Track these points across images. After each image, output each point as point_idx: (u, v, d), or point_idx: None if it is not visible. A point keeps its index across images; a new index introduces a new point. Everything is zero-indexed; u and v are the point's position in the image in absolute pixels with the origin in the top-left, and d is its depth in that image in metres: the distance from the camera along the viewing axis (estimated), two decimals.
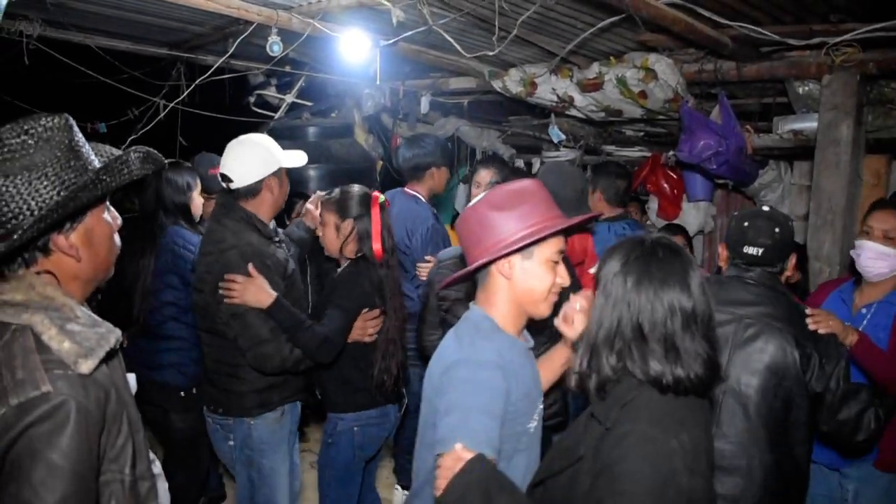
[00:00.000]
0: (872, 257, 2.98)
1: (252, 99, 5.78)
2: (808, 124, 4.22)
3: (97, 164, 1.61)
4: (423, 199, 4.23)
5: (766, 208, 2.70)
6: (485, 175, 3.98)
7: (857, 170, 3.93)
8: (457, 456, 1.64)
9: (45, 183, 1.51)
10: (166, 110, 5.08)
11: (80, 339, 1.49)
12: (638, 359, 1.66)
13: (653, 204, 6.12)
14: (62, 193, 1.51)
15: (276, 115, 5.81)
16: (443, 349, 1.97)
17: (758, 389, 2.44)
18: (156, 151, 1.71)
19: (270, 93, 5.76)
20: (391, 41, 4.08)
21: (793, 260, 2.66)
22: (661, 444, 1.56)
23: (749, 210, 2.73)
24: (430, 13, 3.62)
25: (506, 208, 1.89)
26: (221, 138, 5.99)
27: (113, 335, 1.56)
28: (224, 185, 2.99)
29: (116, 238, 1.74)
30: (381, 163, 6.39)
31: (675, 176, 5.87)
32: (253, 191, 2.97)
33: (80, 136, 1.59)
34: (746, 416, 2.44)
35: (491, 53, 3.99)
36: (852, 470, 3.05)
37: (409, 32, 3.84)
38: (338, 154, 5.60)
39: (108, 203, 1.70)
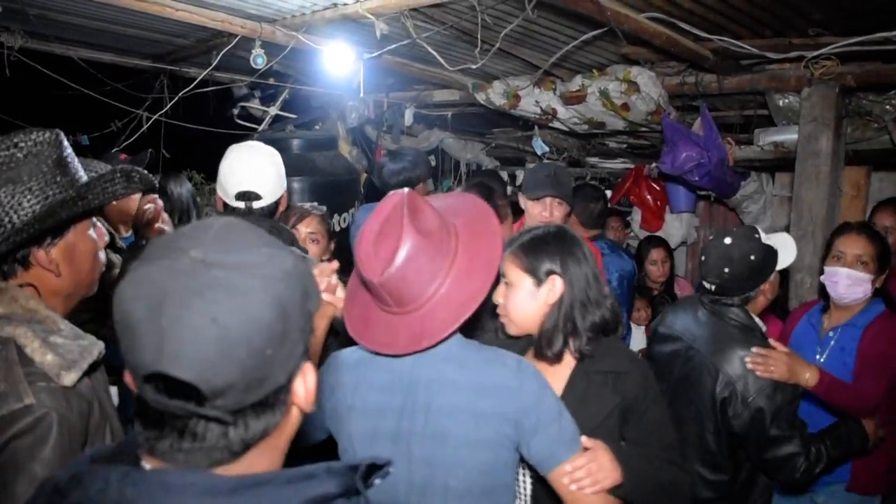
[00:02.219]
0: (849, 284, 2.91)
1: (236, 111, 5.78)
2: (789, 136, 4.27)
3: (84, 180, 1.61)
4: None
5: (727, 240, 2.56)
6: None
7: (836, 181, 3.97)
8: (595, 452, 1.76)
9: (29, 197, 1.50)
10: (149, 123, 5.07)
11: (62, 352, 1.49)
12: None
13: (636, 216, 6.15)
14: (43, 208, 1.51)
15: (260, 128, 5.81)
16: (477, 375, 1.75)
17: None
18: (146, 172, 1.71)
19: (254, 105, 5.77)
20: (375, 54, 4.09)
21: (766, 285, 2.58)
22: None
23: (714, 238, 2.66)
24: (414, 26, 3.64)
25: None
26: (205, 150, 6.01)
27: (96, 347, 1.56)
28: (243, 203, 2.59)
29: (101, 255, 1.75)
30: (364, 175, 6.39)
31: (657, 188, 5.91)
32: (272, 210, 2.68)
33: (69, 152, 1.60)
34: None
35: (474, 67, 4.01)
36: (822, 493, 3.04)
37: (393, 45, 3.86)
38: (322, 166, 5.60)
39: (95, 220, 1.70)
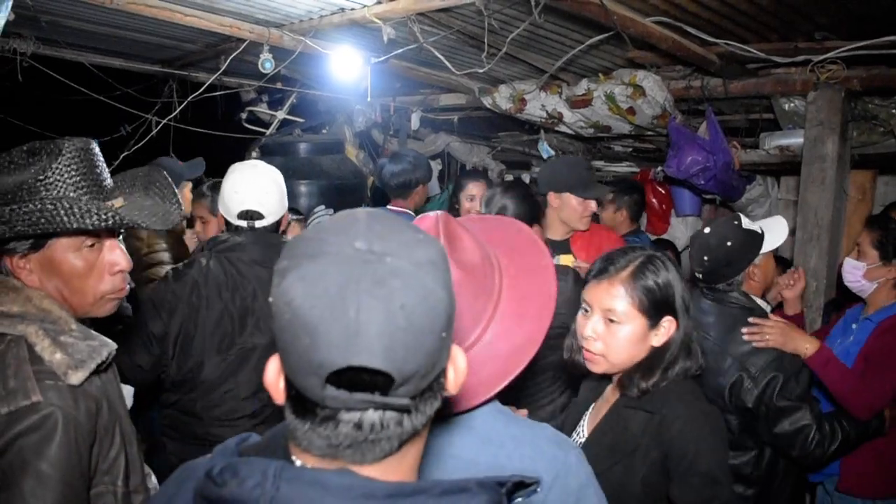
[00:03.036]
0: (847, 270, 3.08)
1: (244, 115, 5.82)
2: (795, 140, 4.27)
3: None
4: (411, 213, 4.20)
5: (706, 230, 2.71)
6: (476, 188, 4.03)
7: (842, 185, 3.98)
8: None
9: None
10: (158, 127, 5.10)
11: (72, 351, 1.51)
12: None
13: (641, 219, 6.15)
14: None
15: (268, 132, 5.85)
16: None
17: None
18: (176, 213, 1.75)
19: (262, 109, 5.80)
20: (382, 59, 4.12)
21: (752, 269, 2.68)
22: (711, 411, 1.93)
23: (698, 230, 2.79)
24: (421, 30, 3.66)
25: None
26: (213, 154, 6.04)
27: (105, 348, 1.58)
28: (245, 222, 2.68)
29: (109, 280, 1.69)
30: (371, 179, 6.41)
31: (663, 191, 5.92)
32: (275, 228, 2.76)
33: (94, 163, 1.61)
34: None
35: (481, 71, 4.03)
36: (828, 487, 3.10)
37: (400, 50, 3.88)
38: (328, 170, 5.62)
39: (107, 243, 1.68)
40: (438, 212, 1.43)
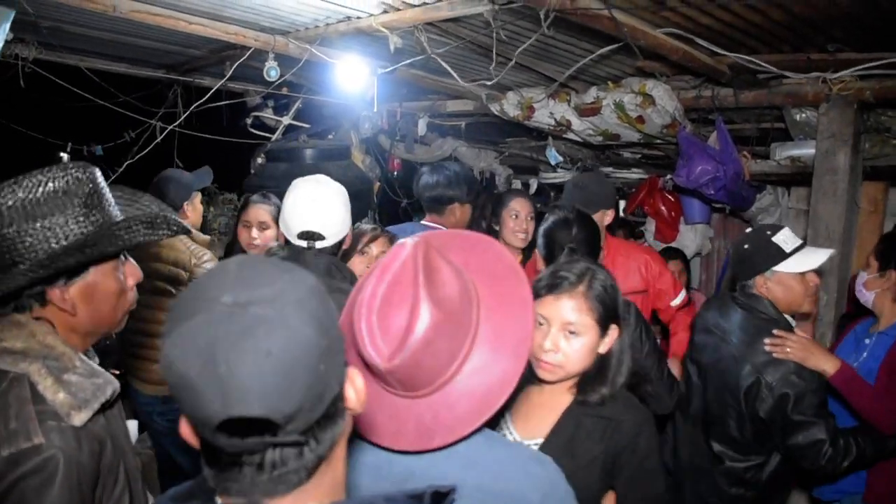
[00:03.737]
0: (857, 282, 3.09)
1: (249, 121, 5.78)
2: (806, 151, 4.21)
3: (108, 222, 1.58)
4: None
5: (749, 229, 2.88)
6: (520, 205, 3.94)
7: (854, 198, 3.92)
8: None
9: (49, 234, 1.49)
10: (164, 134, 5.06)
11: (75, 391, 1.48)
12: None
13: (650, 226, 6.11)
14: (59, 248, 1.50)
15: (273, 137, 5.81)
16: None
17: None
18: (173, 217, 1.70)
19: (267, 114, 5.76)
20: (389, 69, 4.08)
21: (762, 280, 2.70)
22: (650, 414, 2.08)
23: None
24: (428, 40, 3.62)
25: None
26: (219, 159, 6.00)
27: (110, 386, 1.55)
28: (306, 242, 2.51)
29: (131, 294, 1.73)
30: (378, 184, 6.38)
31: (672, 199, 5.86)
32: (335, 250, 2.61)
33: (101, 190, 1.58)
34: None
35: (489, 83, 4.00)
36: (846, 502, 3.04)
37: (408, 61, 3.85)
38: (335, 176, 5.48)
39: (123, 258, 1.69)
40: (415, 240, 1.40)
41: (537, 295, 1.95)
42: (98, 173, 1.60)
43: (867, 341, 3.04)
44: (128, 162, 4.89)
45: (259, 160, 5.83)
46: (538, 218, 3.63)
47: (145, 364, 3.64)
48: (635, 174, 6.46)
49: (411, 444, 1.40)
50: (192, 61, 5.02)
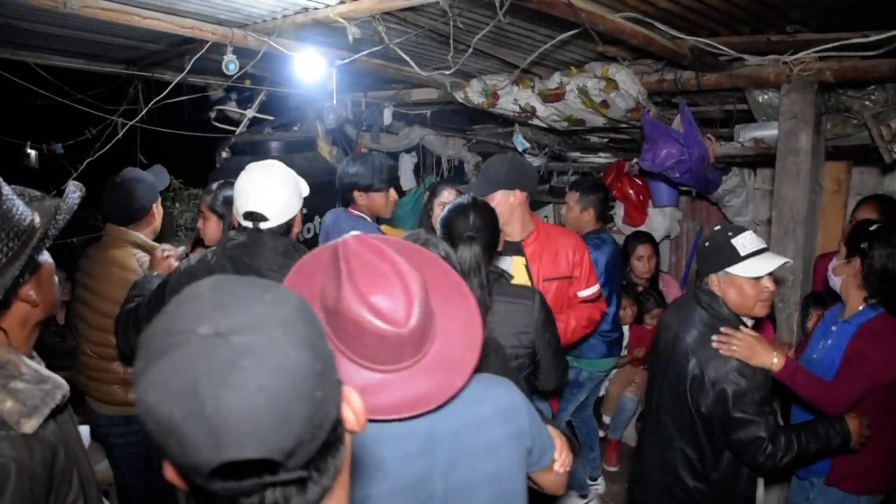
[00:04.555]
0: (830, 266, 3.11)
1: (213, 114, 5.71)
2: (769, 132, 4.23)
3: (30, 215, 1.57)
4: (368, 220, 4.07)
5: (717, 227, 2.86)
6: (451, 195, 3.94)
7: (817, 178, 3.94)
8: (561, 438, 1.94)
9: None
10: (125, 129, 4.98)
11: (23, 398, 1.45)
12: None
13: (619, 210, 6.11)
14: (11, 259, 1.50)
15: (238, 131, 5.74)
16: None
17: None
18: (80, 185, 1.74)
19: (231, 108, 5.69)
20: (347, 60, 4.04)
21: (715, 279, 2.72)
22: None
23: None
24: (387, 29, 3.57)
25: None
26: (183, 154, 5.92)
27: (59, 391, 1.53)
28: (251, 223, 2.64)
29: (55, 275, 1.79)
30: None
31: (640, 182, 5.87)
32: (285, 229, 2.71)
33: (7, 191, 1.55)
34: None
35: (447, 72, 3.97)
36: (814, 480, 3.10)
37: (365, 52, 3.80)
38: (301, 169, 5.46)
39: None
40: (354, 234, 1.50)
41: None
42: None
43: (833, 328, 3.06)
44: (88, 160, 4.78)
45: (224, 154, 5.77)
46: None
47: (102, 385, 3.48)
48: (602, 158, 6.46)
49: (439, 397, 1.50)
50: (152, 56, 4.93)
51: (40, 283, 1.67)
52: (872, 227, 2.95)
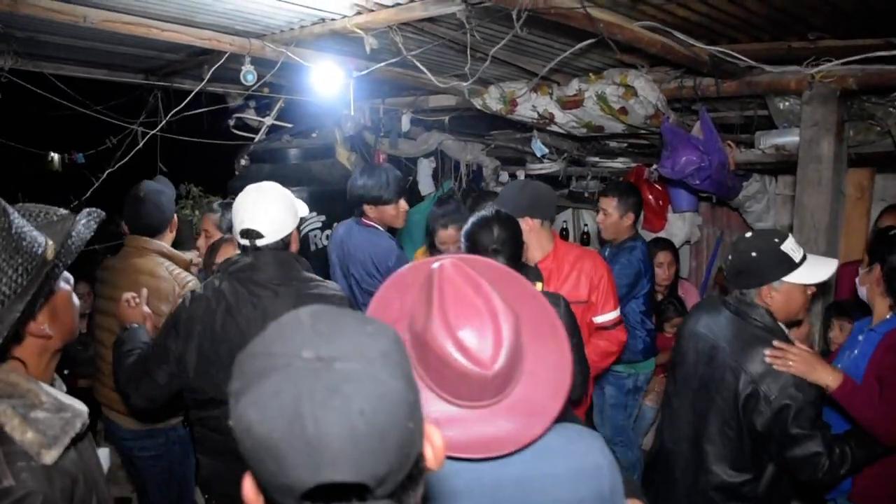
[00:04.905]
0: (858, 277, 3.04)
1: (232, 122, 5.73)
2: (790, 139, 4.17)
3: (43, 243, 1.56)
4: (381, 229, 4.03)
5: (748, 234, 2.72)
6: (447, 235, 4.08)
7: (839, 186, 3.89)
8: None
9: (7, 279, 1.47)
10: (146, 139, 5.01)
11: (43, 428, 1.45)
12: None
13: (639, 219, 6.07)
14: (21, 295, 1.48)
15: (256, 138, 5.76)
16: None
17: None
18: (95, 210, 1.71)
19: (250, 115, 5.71)
20: (364, 72, 4.04)
21: (767, 290, 2.58)
22: None
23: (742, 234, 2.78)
24: (404, 38, 3.57)
25: None
26: (202, 162, 5.94)
27: (79, 419, 1.52)
28: (248, 241, 2.67)
29: (75, 299, 1.77)
30: None
31: (659, 187, 5.82)
32: (283, 245, 2.76)
33: (16, 219, 1.54)
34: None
35: (465, 84, 3.96)
36: (840, 501, 3.02)
37: (383, 63, 3.81)
38: (319, 176, 5.56)
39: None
40: (452, 259, 1.49)
41: None
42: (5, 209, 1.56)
43: (860, 337, 2.99)
44: (109, 170, 4.83)
45: (243, 162, 5.79)
46: None
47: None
48: (621, 163, 6.42)
49: (515, 443, 1.43)
50: (171, 65, 4.97)
51: (55, 314, 1.65)
52: (892, 233, 2.90)
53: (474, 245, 2.67)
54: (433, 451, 0.98)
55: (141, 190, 3.62)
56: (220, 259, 3.07)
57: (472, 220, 2.79)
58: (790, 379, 2.45)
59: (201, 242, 3.85)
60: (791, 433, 2.42)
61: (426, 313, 1.40)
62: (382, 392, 0.85)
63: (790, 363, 2.46)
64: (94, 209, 1.70)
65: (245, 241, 2.68)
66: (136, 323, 2.93)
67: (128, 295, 3.03)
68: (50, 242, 1.56)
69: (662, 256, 5.02)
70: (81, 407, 1.56)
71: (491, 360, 1.36)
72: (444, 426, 1.34)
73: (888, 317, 2.89)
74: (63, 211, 1.73)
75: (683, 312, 4.97)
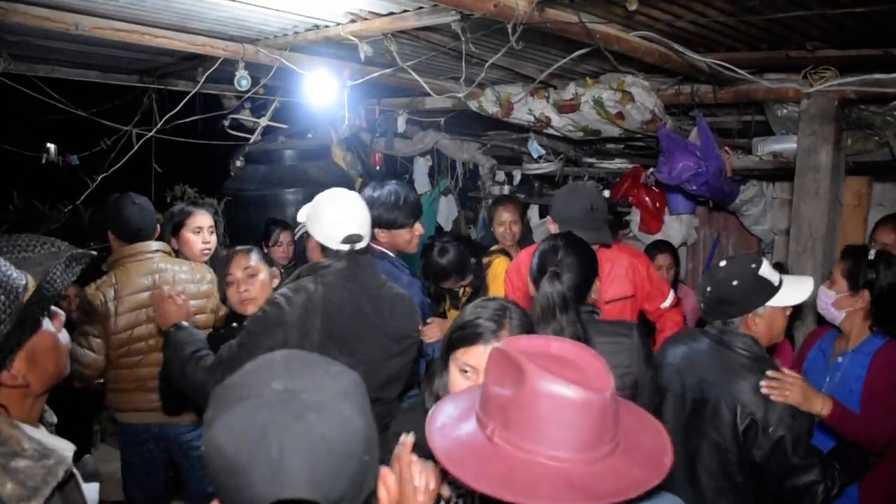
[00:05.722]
0: (820, 297, 3.04)
1: (226, 123, 5.69)
2: (788, 146, 4.15)
3: (21, 286, 1.51)
4: (391, 254, 3.51)
5: (722, 262, 2.61)
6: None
7: (837, 195, 3.87)
8: None
9: None
10: (141, 141, 4.98)
11: (24, 478, 1.41)
12: None
13: (634, 217, 6.04)
14: None
15: (252, 139, 5.73)
16: None
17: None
18: (80, 251, 1.63)
19: (245, 116, 5.67)
20: (358, 81, 4.01)
21: (752, 317, 2.53)
22: None
23: (715, 263, 2.69)
24: (399, 45, 3.54)
25: None
26: (196, 163, 5.90)
27: (61, 467, 1.48)
28: (348, 246, 2.74)
29: (63, 337, 1.68)
30: (360, 180, 6.31)
31: (656, 189, 5.80)
32: (366, 248, 2.89)
33: None
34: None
35: (460, 95, 3.93)
36: None
37: (376, 73, 3.78)
38: (315, 177, 5.54)
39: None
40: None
41: (457, 346, 1.87)
42: None
43: (840, 359, 2.98)
44: (103, 175, 4.79)
45: (238, 163, 5.77)
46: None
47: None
48: (618, 164, 6.38)
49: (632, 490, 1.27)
50: (166, 67, 4.93)
51: (33, 361, 1.56)
52: (870, 257, 2.91)
53: (540, 267, 2.62)
54: (387, 492, 1.10)
55: (133, 198, 3.67)
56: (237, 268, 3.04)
57: (543, 244, 2.74)
58: (786, 409, 2.41)
59: (207, 238, 3.91)
60: (792, 463, 2.38)
61: (514, 376, 1.28)
62: (342, 422, 0.95)
63: (787, 393, 2.41)
64: (83, 252, 1.63)
65: (345, 247, 2.74)
66: (184, 321, 2.86)
67: (169, 291, 2.95)
68: (30, 279, 1.52)
69: (662, 259, 4.99)
70: (66, 451, 1.52)
71: (603, 384, 1.28)
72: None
73: (868, 337, 2.91)
74: (61, 244, 1.69)
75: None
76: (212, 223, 3.93)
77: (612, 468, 1.27)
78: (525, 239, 5.48)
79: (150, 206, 3.76)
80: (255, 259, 3.09)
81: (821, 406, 2.53)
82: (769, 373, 2.45)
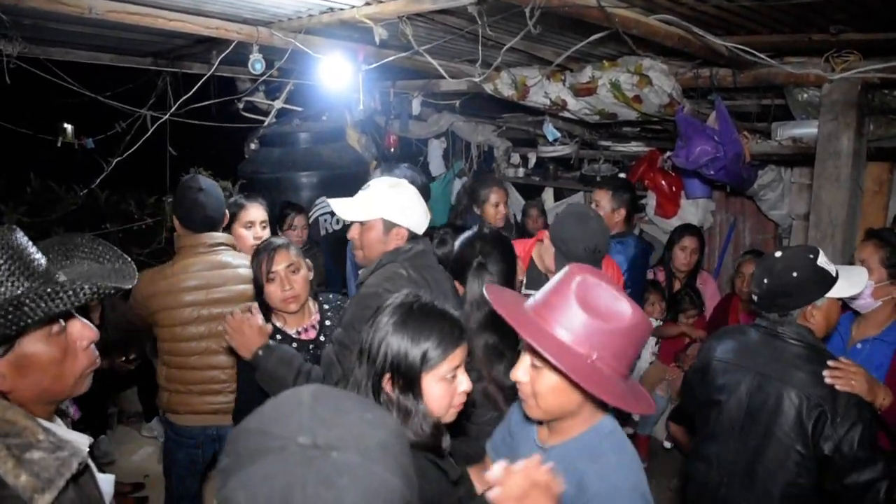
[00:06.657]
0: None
1: (241, 105, 5.67)
2: (808, 131, 4.08)
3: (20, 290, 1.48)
4: None
5: (778, 253, 2.54)
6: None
7: (858, 182, 3.80)
8: None
9: None
10: (156, 125, 4.96)
11: (38, 470, 1.41)
12: None
13: (650, 200, 5.98)
14: None
15: (266, 121, 5.71)
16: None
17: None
18: (106, 284, 1.54)
19: (259, 99, 5.65)
20: (373, 65, 3.98)
21: (811, 309, 2.45)
22: None
23: (768, 254, 2.62)
24: (414, 28, 3.51)
25: None
26: (210, 146, 5.90)
27: (76, 459, 1.47)
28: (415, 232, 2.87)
29: (84, 356, 1.62)
30: (374, 163, 6.29)
31: (673, 173, 5.73)
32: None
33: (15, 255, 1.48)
34: None
35: (476, 79, 3.88)
36: None
37: (392, 57, 3.74)
38: (329, 160, 5.52)
39: (64, 322, 1.57)
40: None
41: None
42: (15, 237, 1.48)
43: (859, 346, 2.93)
44: (118, 158, 4.79)
45: (252, 146, 5.76)
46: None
47: None
48: (635, 147, 6.32)
49: None
50: (180, 49, 4.91)
51: (23, 368, 1.50)
52: None
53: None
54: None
55: (198, 182, 3.46)
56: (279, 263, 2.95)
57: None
58: (853, 398, 2.33)
59: (259, 233, 3.78)
60: (857, 456, 2.28)
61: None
62: (377, 487, 0.81)
63: (853, 382, 2.34)
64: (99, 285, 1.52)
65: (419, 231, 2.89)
66: (267, 342, 2.69)
67: (240, 315, 2.73)
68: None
69: (687, 241, 4.99)
70: (81, 444, 1.52)
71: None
72: None
73: (889, 325, 2.87)
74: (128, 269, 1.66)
75: (699, 305, 4.94)
76: (265, 217, 3.78)
77: None
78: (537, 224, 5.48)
79: (218, 192, 3.50)
80: (294, 254, 2.99)
81: (882, 397, 2.45)
82: (830, 362, 2.39)
